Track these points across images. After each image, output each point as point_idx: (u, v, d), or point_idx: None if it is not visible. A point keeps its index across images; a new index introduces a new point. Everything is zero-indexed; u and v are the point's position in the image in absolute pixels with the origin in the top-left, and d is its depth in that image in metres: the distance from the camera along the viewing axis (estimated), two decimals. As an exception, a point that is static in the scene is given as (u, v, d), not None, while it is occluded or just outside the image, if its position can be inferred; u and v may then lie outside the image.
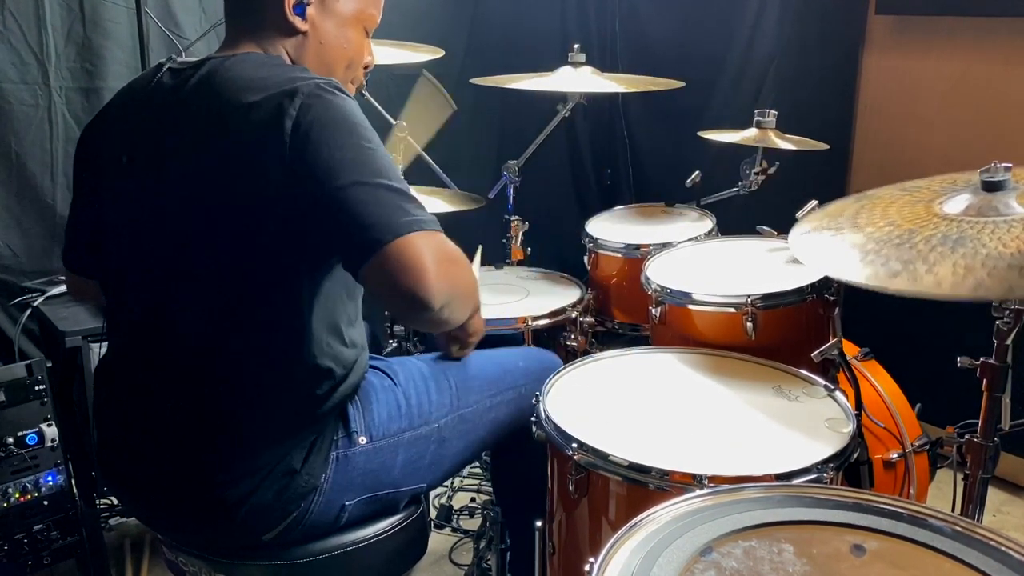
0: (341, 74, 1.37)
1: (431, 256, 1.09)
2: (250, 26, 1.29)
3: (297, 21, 1.28)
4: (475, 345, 1.51)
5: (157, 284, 1.26)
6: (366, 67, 1.42)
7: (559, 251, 2.48)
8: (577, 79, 2.22)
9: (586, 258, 2.20)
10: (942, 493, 1.69)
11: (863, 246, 1.23)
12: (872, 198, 1.39)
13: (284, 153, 1.12)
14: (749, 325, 1.60)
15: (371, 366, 1.41)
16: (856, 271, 1.19)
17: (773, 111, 2.20)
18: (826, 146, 2.22)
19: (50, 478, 1.97)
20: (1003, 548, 0.94)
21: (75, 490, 2.03)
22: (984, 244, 1.13)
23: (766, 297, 1.61)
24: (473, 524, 2.33)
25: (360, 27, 1.36)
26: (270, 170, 1.13)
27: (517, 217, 2.26)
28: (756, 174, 2.24)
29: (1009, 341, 1.28)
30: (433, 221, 1.15)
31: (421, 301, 1.08)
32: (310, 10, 1.29)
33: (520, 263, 2.28)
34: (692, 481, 1.19)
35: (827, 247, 1.30)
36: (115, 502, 2.36)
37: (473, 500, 2.44)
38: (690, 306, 1.69)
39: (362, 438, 1.32)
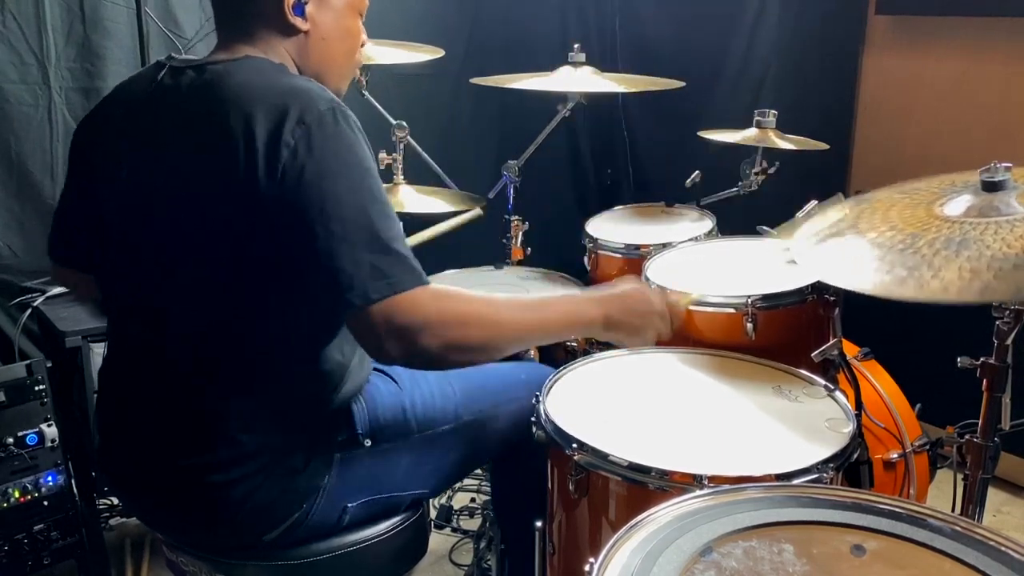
0: (344, 64, 1.36)
1: (397, 324, 1.10)
2: (247, 30, 1.26)
3: (298, 21, 1.26)
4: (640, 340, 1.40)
5: (156, 286, 1.25)
6: (361, 45, 1.40)
7: (559, 251, 2.48)
8: (577, 79, 2.22)
9: (586, 258, 2.20)
10: (942, 493, 1.69)
11: (867, 253, 1.23)
12: (871, 201, 1.39)
13: (275, 179, 1.10)
14: (749, 325, 1.60)
15: (376, 369, 1.41)
16: (862, 279, 1.19)
17: (773, 111, 2.20)
18: (826, 146, 2.22)
19: (50, 478, 1.97)
20: (1003, 548, 0.94)
21: (75, 490, 2.03)
22: (988, 245, 1.13)
23: (766, 297, 1.61)
24: (473, 524, 2.33)
25: (355, 13, 1.35)
26: (259, 189, 1.11)
27: (517, 217, 2.26)
28: (756, 174, 2.24)
29: (1009, 341, 1.28)
30: (412, 277, 1.13)
31: (383, 359, 1.14)
32: (309, 8, 1.27)
33: (520, 263, 2.28)
34: (692, 481, 1.19)
35: (830, 255, 1.30)
36: (115, 502, 2.36)
37: (473, 500, 2.44)
38: (690, 306, 1.69)
39: (367, 440, 1.32)
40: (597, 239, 2.16)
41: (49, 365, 2.02)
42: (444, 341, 1.13)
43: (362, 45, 1.40)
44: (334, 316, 1.23)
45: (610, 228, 2.24)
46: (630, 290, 1.39)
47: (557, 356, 2.06)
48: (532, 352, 2.00)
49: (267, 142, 1.11)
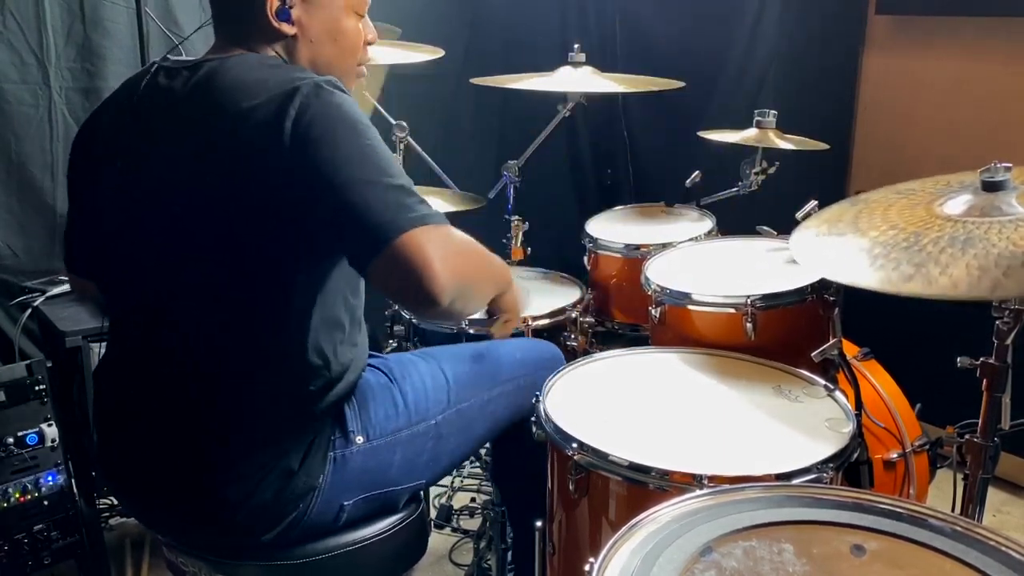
0: (342, 64, 1.34)
1: (436, 251, 1.08)
2: (238, 33, 1.27)
3: (284, 26, 1.26)
4: (516, 322, 1.50)
5: (155, 285, 1.26)
6: (369, 43, 1.39)
7: (559, 251, 2.48)
8: (577, 79, 2.22)
9: (586, 258, 2.20)
10: (942, 493, 1.69)
11: (870, 250, 1.23)
12: (868, 202, 1.39)
13: (284, 153, 1.11)
14: (749, 325, 1.60)
15: (368, 364, 1.41)
16: (867, 276, 1.18)
17: (773, 111, 2.20)
18: (826, 146, 2.22)
19: (50, 478, 1.97)
20: (1003, 548, 0.94)
21: (75, 490, 2.03)
22: (994, 244, 1.13)
23: (766, 297, 1.61)
24: (473, 524, 2.33)
25: (352, 13, 1.33)
26: (270, 171, 1.12)
27: (517, 217, 2.26)
28: (756, 174, 2.24)
29: (1009, 341, 1.28)
30: (438, 214, 1.14)
31: (428, 297, 1.08)
32: (295, 12, 1.26)
33: (520, 263, 2.28)
34: (692, 481, 1.19)
35: (833, 252, 1.30)
36: (115, 502, 2.36)
37: (473, 500, 2.44)
38: (690, 306, 1.69)
39: (359, 438, 1.32)
40: (597, 239, 2.16)
41: (49, 365, 2.02)
42: (469, 270, 1.17)
43: (369, 43, 1.39)
44: (335, 309, 1.23)
45: (610, 228, 2.24)
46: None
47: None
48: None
49: (269, 121, 1.12)
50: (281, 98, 1.13)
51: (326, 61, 1.32)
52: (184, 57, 1.31)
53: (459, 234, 1.18)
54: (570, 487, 1.30)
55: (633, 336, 2.10)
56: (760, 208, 2.23)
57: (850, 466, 1.44)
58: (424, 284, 1.07)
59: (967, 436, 1.35)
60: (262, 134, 1.12)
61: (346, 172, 1.10)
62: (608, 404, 1.45)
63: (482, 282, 1.27)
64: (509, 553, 1.80)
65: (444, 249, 1.10)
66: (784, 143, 2.16)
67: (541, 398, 1.42)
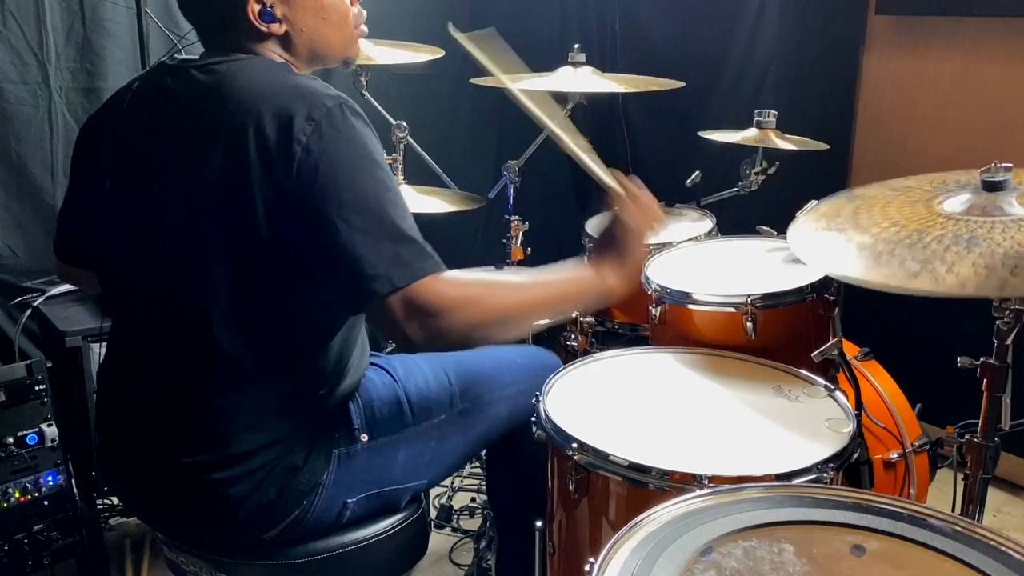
0: (339, 35, 1.33)
1: (419, 308, 1.11)
2: (229, 40, 1.26)
3: (273, 27, 1.25)
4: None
5: (159, 284, 1.25)
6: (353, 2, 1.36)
7: (559, 251, 2.47)
8: (577, 79, 2.22)
9: (586, 258, 2.20)
10: (942, 493, 1.69)
11: (873, 247, 1.22)
12: (865, 198, 1.39)
13: (290, 177, 1.11)
14: (749, 325, 1.60)
15: (371, 363, 1.42)
16: (871, 272, 1.18)
17: (773, 111, 2.20)
18: (826, 146, 2.22)
19: (50, 478, 1.97)
20: (1003, 548, 0.94)
21: (75, 490, 2.03)
22: (999, 243, 1.13)
23: (766, 297, 1.61)
24: (473, 524, 2.33)
25: None
26: (274, 188, 1.12)
27: (517, 217, 2.26)
28: (756, 174, 2.24)
29: (1009, 341, 1.28)
30: (432, 263, 1.14)
31: (407, 345, 1.13)
32: (277, 10, 1.25)
33: (520, 263, 2.28)
34: (692, 481, 1.19)
35: (835, 249, 1.29)
36: (115, 502, 2.36)
37: (473, 500, 2.44)
38: (690, 306, 1.69)
39: (363, 435, 1.32)
40: (597, 239, 2.15)
41: (49, 365, 2.02)
42: (465, 321, 1.14)
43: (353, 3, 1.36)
44: (340, 312, 1.23)
45: (610, 228, 2.24)
46: (624, 243, 1.45)
47: (557, 356, 2.06)
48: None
49: (278, 142, 1.11)
50: (292, 115, 1.12)
51: (324, 41, 1.32)
52: (192, 57, 1.30)
53: (448, 285, 1.15)
54: (570, 487, 1.30)
55: (633, 336, 2.10)
56: (760, 208, 2.23)
57: (850, 466, 1.44)
58: (403, 337, 1.12)
59: (967, 436, 1.35)
60: (270, 149, 1.12)
61: (345, 215, 1.10)
62: (608, 404, 1.45)
63: (497, 317, 1.20)
64: (500, 556, 1.79)
65: (425, 306, 1.11)
66: (784, 143, 2.16)
67: (541, 398, 1.42)
